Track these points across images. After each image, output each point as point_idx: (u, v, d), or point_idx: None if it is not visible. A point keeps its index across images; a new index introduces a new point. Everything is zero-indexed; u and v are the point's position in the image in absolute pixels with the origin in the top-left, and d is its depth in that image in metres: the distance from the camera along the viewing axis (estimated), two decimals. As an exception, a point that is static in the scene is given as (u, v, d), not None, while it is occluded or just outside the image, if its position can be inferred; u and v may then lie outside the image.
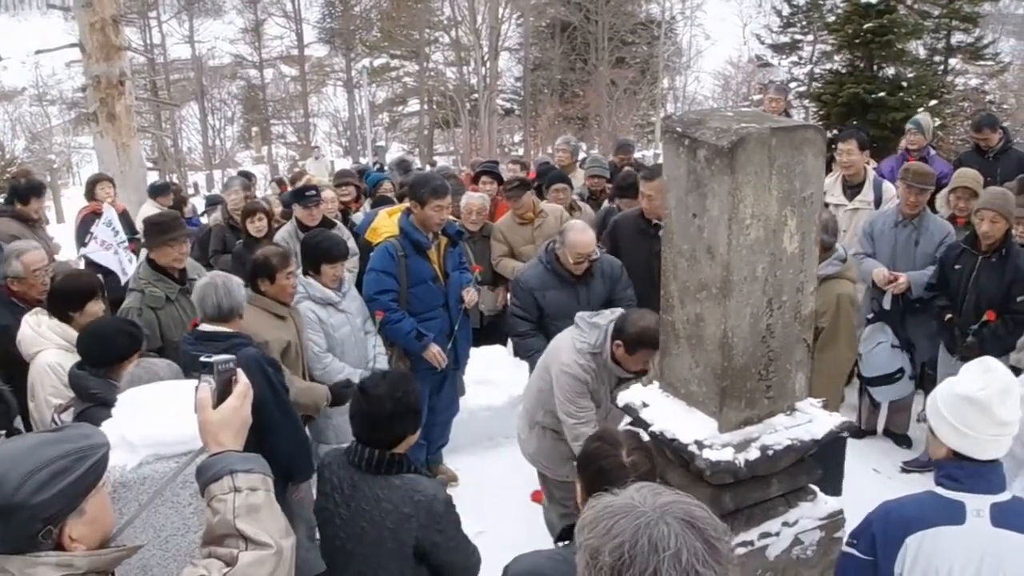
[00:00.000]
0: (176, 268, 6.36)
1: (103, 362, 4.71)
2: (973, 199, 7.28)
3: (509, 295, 6.99)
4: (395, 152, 44.20)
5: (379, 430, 3.78)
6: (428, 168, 20.94)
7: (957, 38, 31.78)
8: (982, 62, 33.47)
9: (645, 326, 5.01)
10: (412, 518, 3.67)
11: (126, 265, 8.99)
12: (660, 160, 4.96)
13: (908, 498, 3.29)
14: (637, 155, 17.46)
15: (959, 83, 31.37)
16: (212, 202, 13.40)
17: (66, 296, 5.53)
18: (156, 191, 11.54)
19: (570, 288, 6.36)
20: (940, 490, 3.16)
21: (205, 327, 5.14)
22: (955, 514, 3.08)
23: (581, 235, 6.20)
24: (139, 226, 10.21)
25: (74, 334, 5.21)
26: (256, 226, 8.59)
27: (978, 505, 3.07)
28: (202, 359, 2.51)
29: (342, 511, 3.84)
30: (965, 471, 3.13)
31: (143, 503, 2.88)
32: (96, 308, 5.56)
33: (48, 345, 5.33)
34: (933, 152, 9.34)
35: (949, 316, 6.71)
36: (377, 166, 23.46)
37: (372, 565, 3.80)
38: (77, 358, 4.91)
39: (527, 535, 5.95)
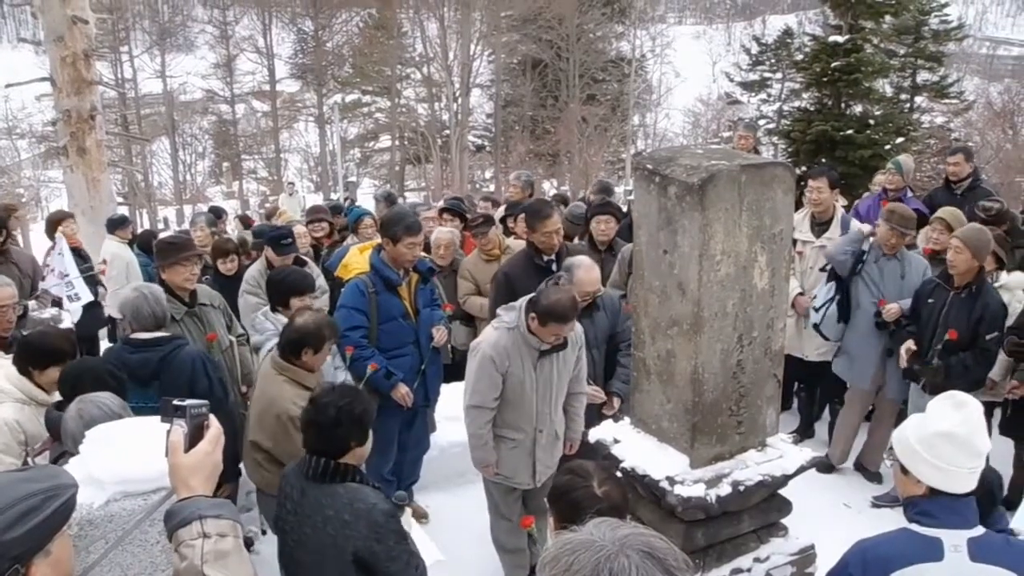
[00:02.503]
0: (186, 290, 6.38)
1: None
2: (948, 232, 7.37)
3: None
4: (367, 188, 44.21)
5: (323, 437, 3.86)
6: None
7: (923, 77, 32.39)
8: (947, 100, 34.11)
9: (556, 299, 5.14)
10: (351, 525, 3.73)
11: (82, 292, 8.99)
12: (631, 197, 4.95)
13: (883, 537, 3.28)
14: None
15: (925, 121, 31.92)
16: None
17: (36, 352, 5.16)
18: (114, 225, 11.41)
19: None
20: (915, 527, 3.16)
21: (140, 335, 5.44)
22: (933, 551, 3.07)
23: (588, 273, 6.07)
24: (97, 259, 10.23)
25: (34, 388, 5.01)
26: (227, 267, 8.69)
27: (955, 541, 3.07)
28: (175, 403, 2.49)
29: (291, 517, 3.94)
30: (940, 506, 3.13)
31: (110, 544, 2.84)
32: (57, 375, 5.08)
33: (4, 399, 4.99)
34: (910, 194, 9.41)
35: (912, 349, 6.75)
36: (348, 201, 23.42)
37: (315, 571, 3.87)
38: (35, 412, 4.81)
39: (496, 572, 5.93)
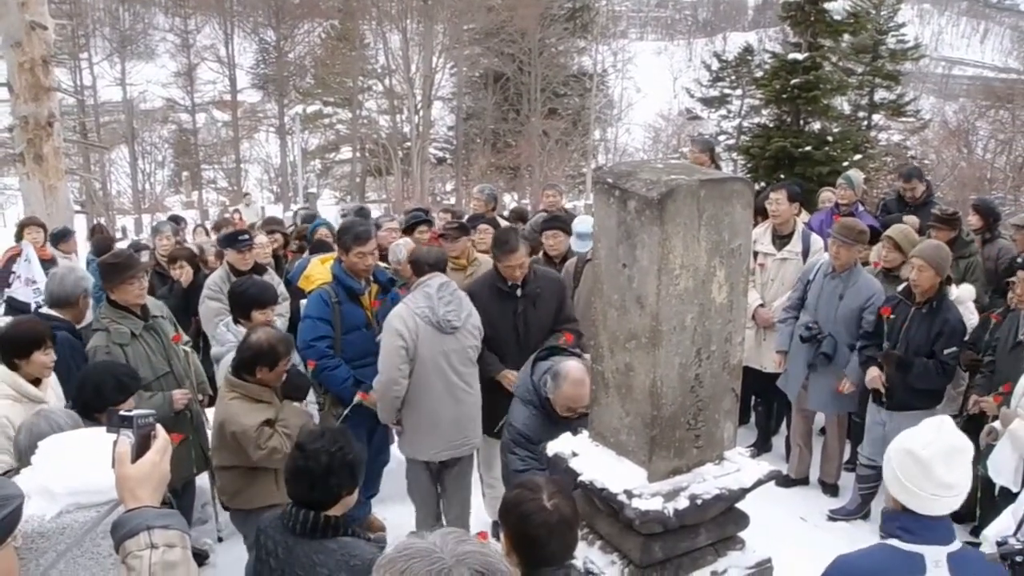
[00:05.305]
0: (137, 305, 6.21)
1: (99, 407, 4.67)
2: (895, 251, 7.42)
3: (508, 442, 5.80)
4: (327, 200, 44.06)
5: (316, 487, 3.65)
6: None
7: (880, 95, 32.80)
8: (904, 118, 34.56)
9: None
10: None
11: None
12: (592, 211, 4.82)
13: (862, 552, 3.29)
14: (568, 205, 17.45)
15: (882, 138, 32.34)
16: (136, 248, 13.16)
17: (15, 341, 5.22)
18: (57, 238, 11.24)
19: (568, 428, 5.38)
20: (896, 542, 3.15)
21: (44, 310, 6.44)
22: (915, 567, 3.07)
23: (576, 389, 5.17)
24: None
25: (24, 383, 5.03)
26: (176, 272, 8.67)
27: (936, 556, 3.07)
28: (121, 413, 2.46)
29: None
30: (920, 523, 3.13)
31: (58, 553, 2.80)
32: (45, 358, 5.24)
33: None
34: (862, 208, 9.53)
35: (877, 375, 6.81)
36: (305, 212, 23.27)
37: None
38: (26, 409, 4.76)
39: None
